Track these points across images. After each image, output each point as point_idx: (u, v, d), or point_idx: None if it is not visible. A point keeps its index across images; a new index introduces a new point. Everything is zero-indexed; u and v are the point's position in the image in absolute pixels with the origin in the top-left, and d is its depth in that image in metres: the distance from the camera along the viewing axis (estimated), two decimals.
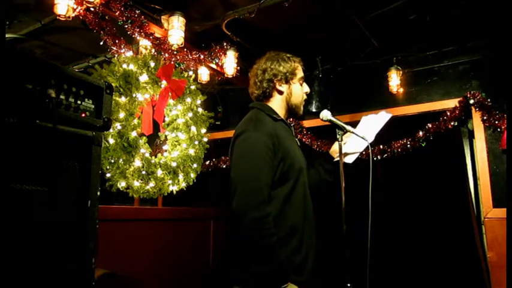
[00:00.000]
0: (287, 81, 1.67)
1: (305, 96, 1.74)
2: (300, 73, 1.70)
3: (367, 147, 1.65)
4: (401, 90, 3.50)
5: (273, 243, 1.37)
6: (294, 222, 1.52)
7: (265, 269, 1.36)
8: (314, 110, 3.56)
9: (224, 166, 4.27)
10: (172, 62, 2.87)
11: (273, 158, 1.48)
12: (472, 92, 3.17)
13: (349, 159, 1.86)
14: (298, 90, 1.70)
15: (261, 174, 1.43)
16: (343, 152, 1.65)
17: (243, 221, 1.37)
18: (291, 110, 1.70)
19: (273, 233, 1.38)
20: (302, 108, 1.73)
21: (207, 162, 4.28)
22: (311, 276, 1.51)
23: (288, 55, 1.71)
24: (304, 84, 1.73)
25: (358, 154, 1.86)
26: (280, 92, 1.67)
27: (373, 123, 1.75)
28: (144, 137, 2.74)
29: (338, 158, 1.83)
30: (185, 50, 2.97)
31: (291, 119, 3.77)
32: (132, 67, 2.60)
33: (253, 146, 1.47)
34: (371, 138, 1.71)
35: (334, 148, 1.86)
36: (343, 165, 1.60)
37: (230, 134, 1.67)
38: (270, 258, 1.36)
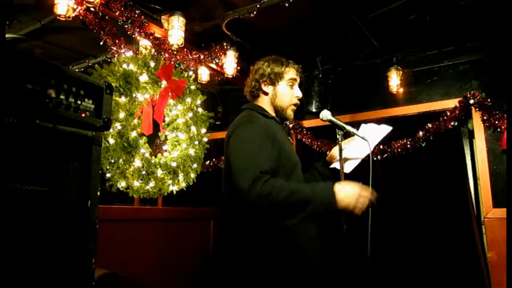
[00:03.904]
0: (272, 83, 1.67)
1: (294, 100, 1.70)
2: (288, 76, 1.68)
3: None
4: (401, 90, 3.50)
5: (287, 195, 1.32)
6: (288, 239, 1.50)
7: (306, 209, 1.33)
8: (314, 110, 3.55)
9: (224, 166, 4.26)
10: (172, 62, 2.87)
11: (271, 145, 1.48)
12: (472, 92, 3.17)
13: (348, 167, 1.80)
14: (284, 93, 1.67)
15: (260, 153, 1.42)
16: (343, 157, 1.64)
17: (251, 195, 1.31)
18: (277, 112, 1.69)
19: (282, 189, 1.33)
20: (291, 111, 1.70)
21: (207, 162, 4.28)
22: (316, 273, 1.50)
23: (283, 59, 1.70)
24: (296, 88, 1.70)
25: (358, 162, 1.81)
26: (265, 93, 1.69)
27: (373, 132, 1.72)
28: (144, 137, 2.74)
29: (335, 165, 1.82)
30: (185, 50, 2.97)
31: (291, 119, 3.77)
32: (132, 67, 2.60)
33: (250, 133, 1.47)
34: (372, 143, 1.68)
35: (332, 153, 1.85)
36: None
37: None
38: (298, 200, 1.33)
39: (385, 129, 1.73)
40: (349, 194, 1.37)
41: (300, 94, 1.72)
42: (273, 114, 1.69)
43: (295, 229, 1.45)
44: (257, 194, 1.30)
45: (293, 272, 1.42)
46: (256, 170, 1.35)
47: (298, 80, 1.73)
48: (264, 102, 1.69)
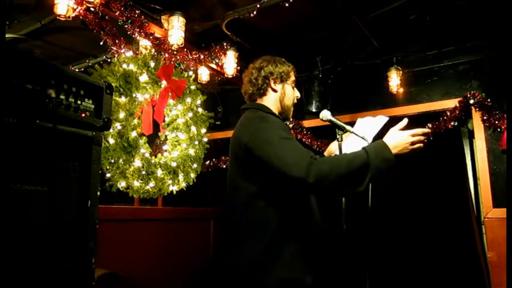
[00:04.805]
0: (282, 81, 1.69)
1: (295, 101, 1.76)
2: (292, 77, 1.74)
3: None
4: (401, 90, 3.50)
5: (347, 165, 1.32)
6: (303, 219, 1.52)
7: (368, 170, 1.32)
8: (314, 110, 3.55)
9: (224, 166, 4.27)
10: (172, 62, 2.88)
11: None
12: (472, 92, 3.17)
13: None
14: (291, 93, 1.72)
15: (296, 143, 1.43)
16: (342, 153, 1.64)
17: (312, 179, 1.29)
18: (283, 111, 1.71)
19: (339, 162, 1.33)
20: (292, 111, 1.75)
21: (207, 162, 4.28)
22: (318, 274, 1.50)
23: (283, 59, 1.75)
24: (296, 89, 1.76)
25: None
26: (274, 91, 1.69)
27: (369, 125, 1.75)
28: (144, 137, 2.74)
29: None
30: (185, 50, 2.97)
31: (291, 119, 3.78)
32: (132, 67, 2.60)
33: (277, 129, 1.46)
34: (370, 139, 1.70)
35: (330, 149, 1.86)
36: None
37: (230, 134, 1.65)
38: (358, 166, 1.31)
39: (382, 120, 1.74)
40: (400, 139, 1.39)
41: (299, 95, 1.77)
42: (277, 113, 1.69)
43: (309, 203, 1.57)
44: (318, 175, 1.29)
45: (311, 235, 1.52)
46: (305, 156, 1.35)
47: None
48: (270, 100, 1.69)
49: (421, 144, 1.41)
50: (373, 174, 1.32)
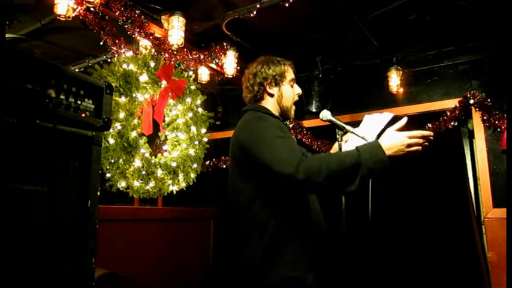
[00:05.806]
0: (277, 84, 1.68)
1: (296, 98, 1.73)
2: (290, 75, 1.71)
3: None
4: (401, 90, 3.50)
5: (338, 163, 1.29)
6: (303, 218, 1.52)
7: (359, 170, 1.29)
8: (314, 110, 3.55)
9: (224, 166, 4.27)
10: (172, 62, 2.88)
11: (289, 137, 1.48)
12: (472, 92, 3.17)
13: None
14: (289, 92, 1.70)
15: (290, 141, 1.43)
16: None
17: (302, 176, 1.28)
18: (282, 112, 1.70)
19: (330, 160, 1.31)
20: (293, 111, 1.73)
21: (207, 162, 4.28)
22: (321, 272, 1.50)
23: (279, 58, 1.72)
24: (296, 86, 1.73)
25: None
26: (271, 95, 1.68)
27: (375, 122, 1.75)
28: (144, 137, 2.74)
29: None
30: (185, 50, 2.97)
31: (291, 119, 3.78)
32: (132, 67, 2.60)
33: (272, 128, 1.46)
34: (372, 138, 1.70)
35: (334, 149, 1.86)
36: None
37: (230, 134, 1.65)
38: (349, 165, 1.29)
39: (387, 117, 1.74)
40: (395, 140, 1.34)
41: (300, 91, 1.74)
42: (277, 115, 1.69)
43: (309, 202, 1.55)
44: (307, 172, 1.28)
45: (314, 236, 1.51)
46: (296, 153, 1.34)
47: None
48: (268, 103, 1.69)
49: (419, 147, 1.36)
50: (364, 175, 1.29)
